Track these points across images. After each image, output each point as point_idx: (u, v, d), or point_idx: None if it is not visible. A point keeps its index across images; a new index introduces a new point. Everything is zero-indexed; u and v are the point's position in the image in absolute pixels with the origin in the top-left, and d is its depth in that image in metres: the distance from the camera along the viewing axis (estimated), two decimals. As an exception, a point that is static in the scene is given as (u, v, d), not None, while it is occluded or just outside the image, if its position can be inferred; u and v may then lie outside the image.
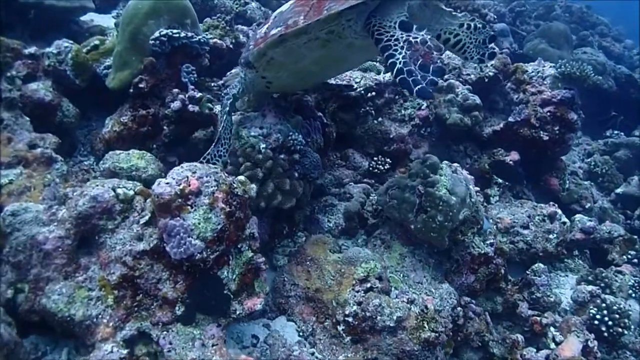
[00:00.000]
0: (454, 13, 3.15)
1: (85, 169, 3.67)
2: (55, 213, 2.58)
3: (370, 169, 4.73)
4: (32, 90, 3.52)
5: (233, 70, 4.79)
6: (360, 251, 3.35)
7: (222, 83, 4.65)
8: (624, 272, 4.46)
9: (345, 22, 2.83)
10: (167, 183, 2.53)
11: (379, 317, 3.04)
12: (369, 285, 3.20)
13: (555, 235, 4.65)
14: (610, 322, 3.86)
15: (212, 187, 2.60)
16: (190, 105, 3.65)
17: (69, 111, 3.72)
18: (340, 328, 3.11)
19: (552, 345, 3.85)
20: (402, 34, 2.72)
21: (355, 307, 3.08)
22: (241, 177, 2.92)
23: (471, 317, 3.69)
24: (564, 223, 4.75)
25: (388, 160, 4.78)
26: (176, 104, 3.60)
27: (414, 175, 3.67)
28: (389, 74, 2.96)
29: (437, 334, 3.10)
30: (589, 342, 3.73)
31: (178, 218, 2.48)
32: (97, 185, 2.67)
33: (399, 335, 3.07)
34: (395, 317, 3.05)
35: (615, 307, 3.92)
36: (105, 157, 3.48)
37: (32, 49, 3.66)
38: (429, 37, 2.70)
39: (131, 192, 2.74)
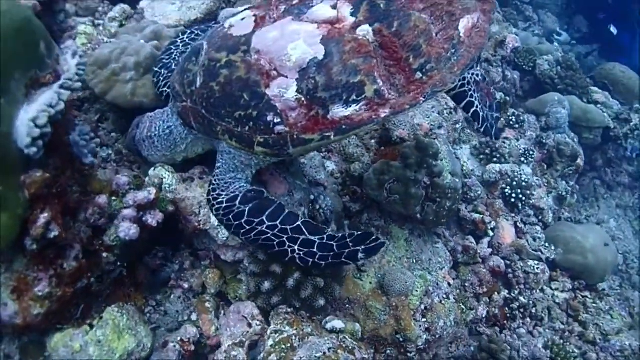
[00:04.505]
0: None
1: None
2: None
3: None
4: None
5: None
6: (405, 279, 3.31)
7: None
8: (509, 137, 5.52)
9: None
10: None
11: (445, 333, 3.35)
12: (424, 307, 3.34)
13: (460, 125, 5.22)
14: (522, 197, 5.01)
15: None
16: (149, 217, 2.31)
17: None
18: (410, 355, 3.33)
19: (490, 233, 4.88)
20: (469, 73, 2.59)
21: (425, 336, 3.28)
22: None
23: (458, 260, 4.30)
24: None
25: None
26: (131, 230, 2.22)
27: (414, 166, 3.46)
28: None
29: (474, 310, 3.65)
30: (517, 224, 4.88)
31: None
32: None
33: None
34: (453, 323, 3.41)
35: (523, 183, 5.03)
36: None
37: None
38: (483, 71, 2.87)
39: None
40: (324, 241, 2.32)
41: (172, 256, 2.86)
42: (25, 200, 2.02)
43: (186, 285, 2.75)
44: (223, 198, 2.35)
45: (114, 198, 2.36)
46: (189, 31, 3.14)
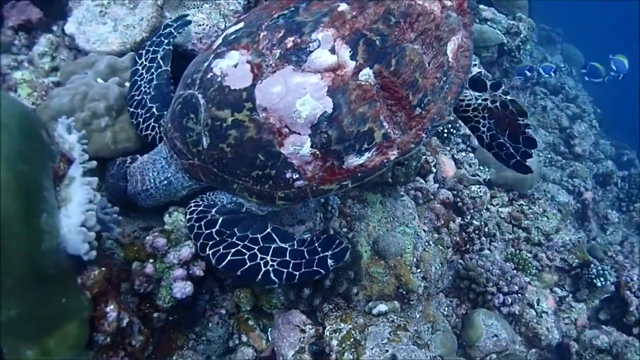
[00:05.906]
0: None
1: None
2: None
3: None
4: None
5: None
6: (397, 241, 3.79)
7: None
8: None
9: None
10: None
11: (437, 276, 3.97)
12: (415, 260, 3.89)
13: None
14: (452, 130, 5.68)
15: None
16: (195, 269, 2.43)
17: None
18: (412, 302, 3.93)
19: (433, 169, 5.53)
20: (478, 98, 2.69)
21: (423, 284, 3.86)
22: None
23: (419, 204, 4.88)
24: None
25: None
26: (186, 289, 2.34)
27: (381, 139, 3.81)
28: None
29: (449, 247, 4.31)
30: (454, 156, 5.57)
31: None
32: None
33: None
34: (440, 265, 4.04)
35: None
36: None
37: None
38: (508, 97, 2.68)
39: None
40: (295, 247, 2.44)
41: (199, 286, 3.01)
42: (88, 302, 2.04)
43: (223, 311, 2.94)
44: (200, 205, 2.48)
45: (151, 260, 2.43)
46: (143, 52, 3.01)
